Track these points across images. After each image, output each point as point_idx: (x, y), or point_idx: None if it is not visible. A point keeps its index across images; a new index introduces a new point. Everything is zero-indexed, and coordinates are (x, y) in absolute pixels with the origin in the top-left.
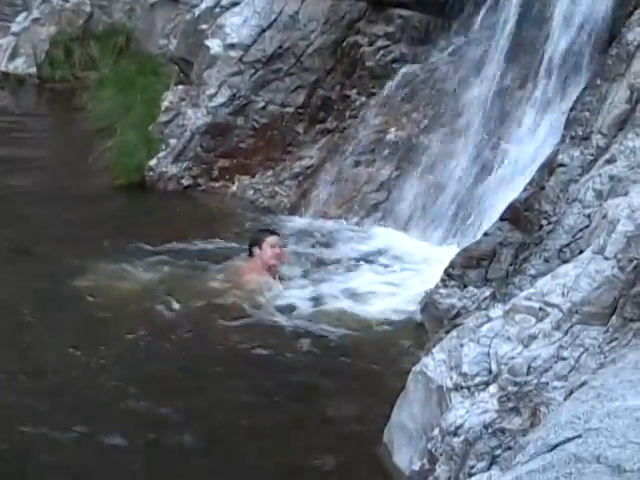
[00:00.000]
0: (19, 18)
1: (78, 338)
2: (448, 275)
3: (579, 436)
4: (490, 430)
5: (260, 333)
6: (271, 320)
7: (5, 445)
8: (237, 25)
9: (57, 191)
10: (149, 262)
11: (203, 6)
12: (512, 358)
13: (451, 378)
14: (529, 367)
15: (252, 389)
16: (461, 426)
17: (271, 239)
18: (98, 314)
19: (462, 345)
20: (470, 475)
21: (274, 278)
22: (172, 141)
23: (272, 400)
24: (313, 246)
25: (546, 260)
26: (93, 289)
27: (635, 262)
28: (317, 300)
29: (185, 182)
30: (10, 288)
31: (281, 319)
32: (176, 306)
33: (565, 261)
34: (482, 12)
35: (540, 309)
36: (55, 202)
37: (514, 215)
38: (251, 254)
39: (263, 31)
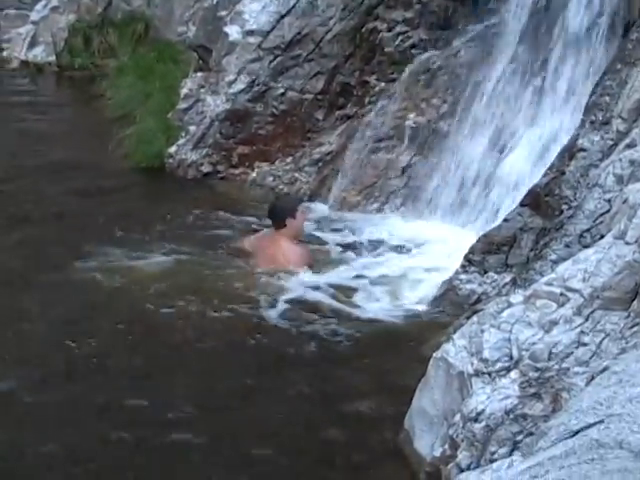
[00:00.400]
0: (38, 6)
1: (80, 325)
2: (468, 261)
3: (601, 421)
4: (511, 416)
5: (273, 321)
6: (284, 308)
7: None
8: (256, 11)
9: (75, 178)
10: (167, 248)
11: None
12: (533, 344)
13: (472, 364)
14: (550, 353)
15: (265, 379)
16: (482, 412)
17: (303, 206)
18: (106, 300)
19: (483, 331)
20: (492, 461)
21: (303, 245)
22: (191, 128)
23: (286, 390)
24: (332, 232)
25: (567, 245)
26: (103, 275)
27: None
28: (336, 286)
29: (204, 169)
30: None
31: (294, 306)
32: (194, 296)
33: (586, 246)
34: None
35: (561, 294)
36: (72, 190)
37: (534, 200)
38: (283, 225)
39: (282, 17)
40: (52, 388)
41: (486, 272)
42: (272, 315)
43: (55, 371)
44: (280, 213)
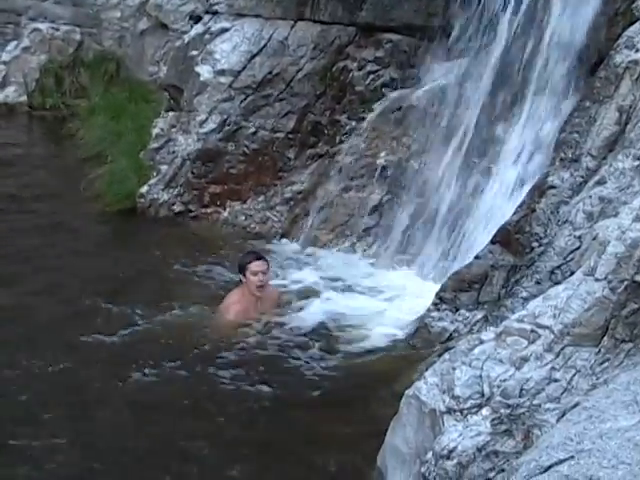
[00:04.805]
0: (9, 47)
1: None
2: (440, 299)
3: (571, 457)
4: (483, 453)
5: (245, 361)
6: (257, 348)
7: None
8: (227, 51)
9: (47, 219)
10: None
11: (193, 33)
12: (504, 380)
13: (444, 401)
14: (521, 389)
15: (242, 420)
16: (454, 449)
17: (254, 265)
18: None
19: (454, 368)
20: None
21: (258, 305)
22: (163, 168)
23: (261, 427)
24: (303, 271)
25: (537, 282)
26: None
27: (626, 283)
28: (306, 325)
29: (176, 208)
30: None
31: (267, 346)
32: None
33: (556, 283)
34: (470, 36)
35: (532, 331)
36: (45, 231)
37: (505, 238)
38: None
39: (253, 57)
40: None
41: (458, 310)
42: (234, 358)
43: None
44: (238, 269)
